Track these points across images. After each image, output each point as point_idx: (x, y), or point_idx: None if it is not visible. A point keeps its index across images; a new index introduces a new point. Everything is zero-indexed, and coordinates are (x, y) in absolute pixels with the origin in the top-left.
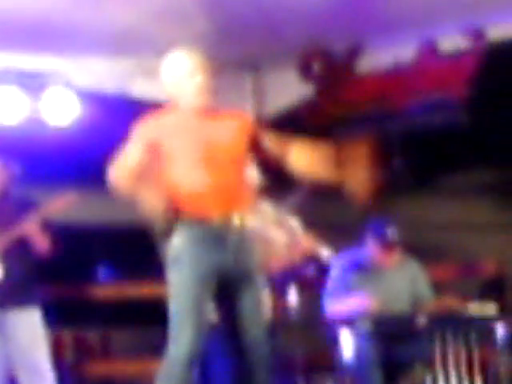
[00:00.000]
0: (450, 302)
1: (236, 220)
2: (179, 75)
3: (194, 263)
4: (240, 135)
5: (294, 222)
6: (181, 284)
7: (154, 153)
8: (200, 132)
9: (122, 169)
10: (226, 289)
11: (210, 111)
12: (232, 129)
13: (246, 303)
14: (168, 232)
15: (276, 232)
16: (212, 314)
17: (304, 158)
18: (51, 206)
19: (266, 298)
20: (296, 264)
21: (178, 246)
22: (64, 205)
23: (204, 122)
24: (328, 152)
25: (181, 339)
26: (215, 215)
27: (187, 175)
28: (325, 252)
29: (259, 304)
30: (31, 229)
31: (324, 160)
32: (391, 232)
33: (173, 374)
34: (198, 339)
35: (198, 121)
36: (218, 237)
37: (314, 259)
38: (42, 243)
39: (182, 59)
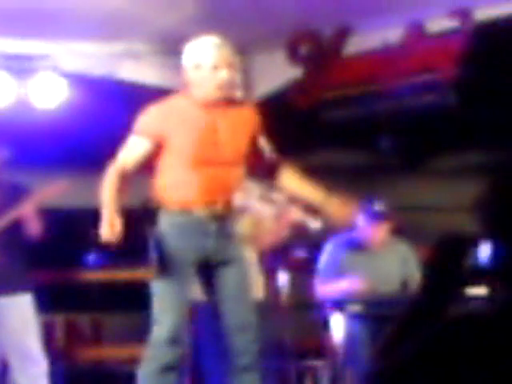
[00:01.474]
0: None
1: (218, 210)
2: (203, 64)
3: (175, 249)
4: (245, 131)
5: (280, 196)
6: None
7: (159, 145)
8: (207, 129)
9: (117, 166)
10: (210, 274)
11: (222, 103)
12: (239, 125)
13: (228, 286)
14: (152, 219)
15: (262, 206)
16: (198, 293)
17: (296, 182)
18: (44, 192)
19: (257, 277)
20: (285, 238)
21: (160, 233)
22: (56, 192)
23: (213, 115)
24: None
25: (163, 321)
26: (198, 206)
27: (180, 173)
28: (313, 222)
29: (243, 287)
30: (27, 212)
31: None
32: (379, 205)
33: (157, 355)
34: (181, 321)
35: (208, 115)
36: (199, 225)
37: (302, 230)
38: (35, 227)
39: (210, 48)
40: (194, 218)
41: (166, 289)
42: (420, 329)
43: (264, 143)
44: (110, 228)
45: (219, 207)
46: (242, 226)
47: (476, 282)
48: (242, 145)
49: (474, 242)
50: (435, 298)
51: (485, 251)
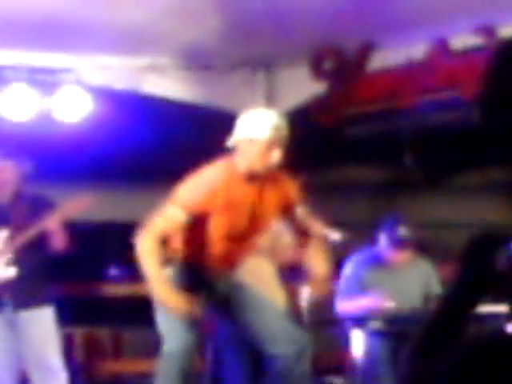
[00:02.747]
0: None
1: (229, 272)
2: (258, 141)
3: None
4: (279, 206)
5: (300, 210)
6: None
7: (197, 215)
8: (250, 207)
9: (155, 236)
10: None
11: (265, 177)
12: (275, 201)
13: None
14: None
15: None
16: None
17: (317, 259)
18: (69, 206)
19: (277, 290)
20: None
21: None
22: (82, 206)
23: (258, 191)
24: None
25: (173, 335)
26: (210, 270)
27: (206, 241)
28: (333, 235)
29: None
30: (52, 225)
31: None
32: (403, 230)
33: (171, 369)
34: (191, 332)
35: (253, 191)
36: (204, 282)
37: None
38: (60, 240)
39: (268, 127)
40: (201, 276)
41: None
42: (454, 326)
43: (302, 213)
44: (180, 303)
45: (231, 270)
46: (262, 240)
47: (509, 276)
48: (274, 217)
49: (505, 239)
50: (470, 292)
51: None
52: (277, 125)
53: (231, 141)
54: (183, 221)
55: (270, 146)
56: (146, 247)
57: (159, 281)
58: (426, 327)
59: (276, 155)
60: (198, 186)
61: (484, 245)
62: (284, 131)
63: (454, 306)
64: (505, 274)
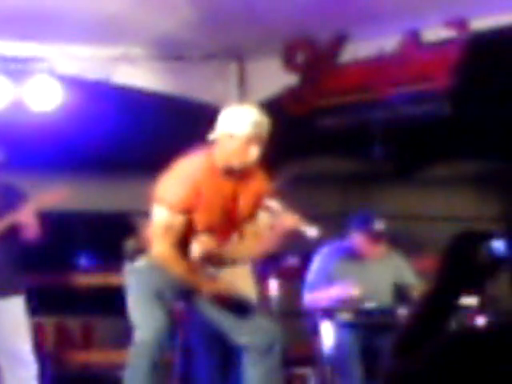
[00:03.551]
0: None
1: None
2: (237, 136)
3: (150, 283)
4: (255, 202)
5: (275, 204)
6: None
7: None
8: (228, 200)
9: (167, 245)
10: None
11: (241, 173)
12: (250, 197)
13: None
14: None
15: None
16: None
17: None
18: (44, 198)
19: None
20: (280, 247)
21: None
22: (56, 198)
23: (235, 185)
24: None
25: (145, 324)
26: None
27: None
28: (310, 229)
29: None
30: (26, 217)
31: None
32: (378, 224)
33: (142, 358)
34: (164, 321)
35: (231, 185)
36: None
37: (298, 236)
38: (33, 231)
39: (249, 123)
40: None
41: (145, 294)
42: (438, 322)
43: (276, 208)
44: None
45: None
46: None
47: (491, 272)
48: (249, 213)
49: (487, 236)
50: (452, 288)
51: (499, 244)
52: (257, 122)
53: (212, 135)
54: (183, 221)
55: (248, 142)
56: (166, 256)
57: (195, 280)
58: (408, 322)
59: (254, 152)
60: (181, 181)
61: (467, 240)
62: (264, 128)
63: (436, 301)
64: (486, 269)
